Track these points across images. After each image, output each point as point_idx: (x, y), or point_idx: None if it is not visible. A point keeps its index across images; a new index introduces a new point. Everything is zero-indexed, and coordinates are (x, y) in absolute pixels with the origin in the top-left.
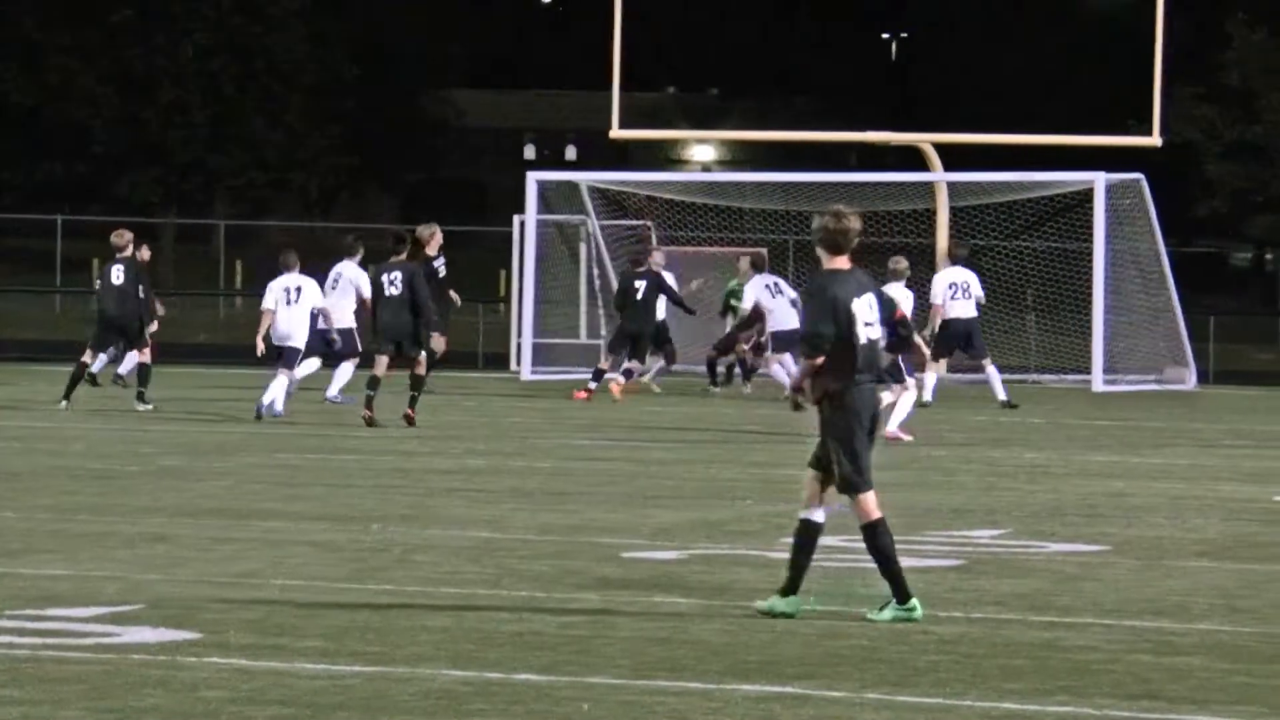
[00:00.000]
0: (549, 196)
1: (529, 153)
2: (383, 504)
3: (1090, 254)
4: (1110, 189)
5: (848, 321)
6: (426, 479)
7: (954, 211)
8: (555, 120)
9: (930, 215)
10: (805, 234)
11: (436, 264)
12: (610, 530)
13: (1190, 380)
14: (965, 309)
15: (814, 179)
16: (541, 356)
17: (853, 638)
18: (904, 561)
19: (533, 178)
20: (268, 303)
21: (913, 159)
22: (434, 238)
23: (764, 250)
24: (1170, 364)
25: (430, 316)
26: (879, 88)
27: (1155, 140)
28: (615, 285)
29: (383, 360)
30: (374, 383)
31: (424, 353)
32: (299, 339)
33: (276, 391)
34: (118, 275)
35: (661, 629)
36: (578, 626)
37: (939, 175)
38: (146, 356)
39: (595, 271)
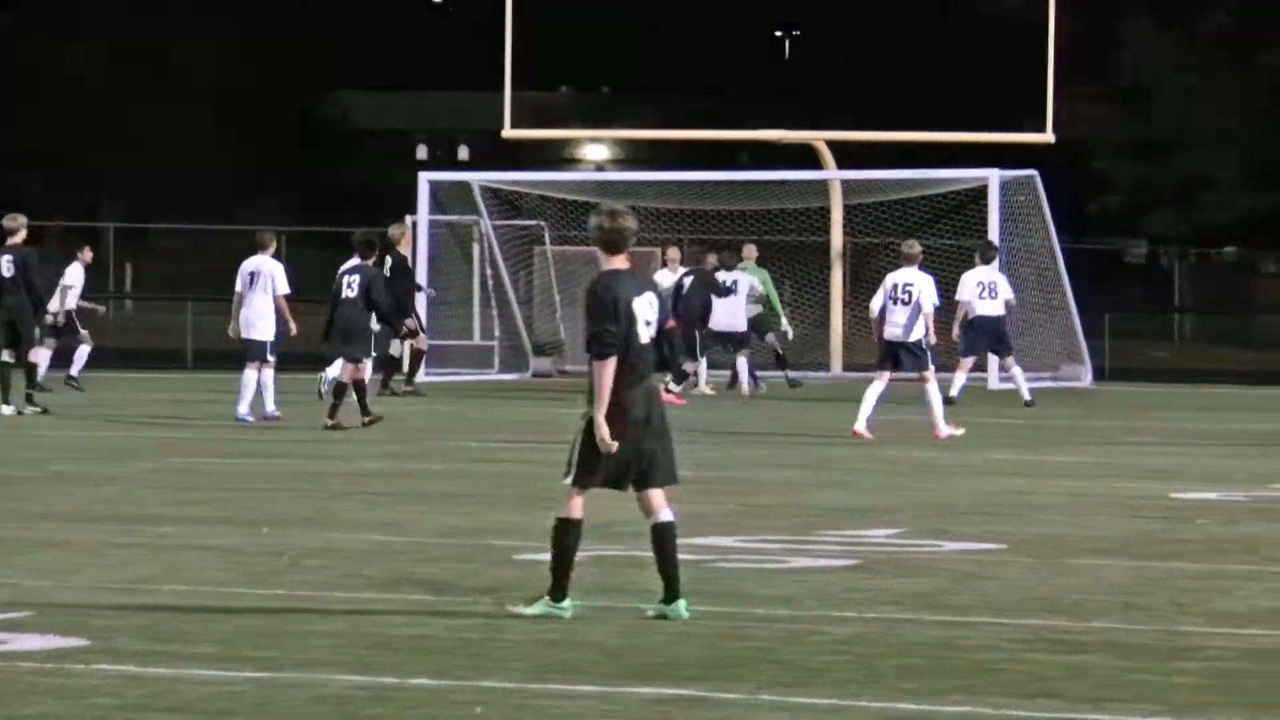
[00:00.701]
0: (441, 197)
1: (421, 153)
2: (278, 508)
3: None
4: (1005, 186)
5: (628, 320)
6: (324, 482)
7: (848, 209)
8: (447, 120)
9: (825, 213)
10: (701, 232)
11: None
12: (506, 533)
13: (1086, 377)
14: (993, 308)
15: (708, 177)
16: (435, 359)
17: (749, 639)
18: (800, 561)
19: (425, 178)
20: (237, 286)
21: (806, 157)
22: (405, 236)
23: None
24: (1066, 361)
25: (394, 321)
26: (771, 85)
27: (1049, 137)
28: (509, 285)
29: (343, 366)
30: (341, 390)
31: (368, 360)
32: (262, 330)
33: (246, 394)
34: (8, 266)
35: (556, 632)
36: (472, 630)
37: (832, 173)
38: (38, 356)
39: (489, 272)
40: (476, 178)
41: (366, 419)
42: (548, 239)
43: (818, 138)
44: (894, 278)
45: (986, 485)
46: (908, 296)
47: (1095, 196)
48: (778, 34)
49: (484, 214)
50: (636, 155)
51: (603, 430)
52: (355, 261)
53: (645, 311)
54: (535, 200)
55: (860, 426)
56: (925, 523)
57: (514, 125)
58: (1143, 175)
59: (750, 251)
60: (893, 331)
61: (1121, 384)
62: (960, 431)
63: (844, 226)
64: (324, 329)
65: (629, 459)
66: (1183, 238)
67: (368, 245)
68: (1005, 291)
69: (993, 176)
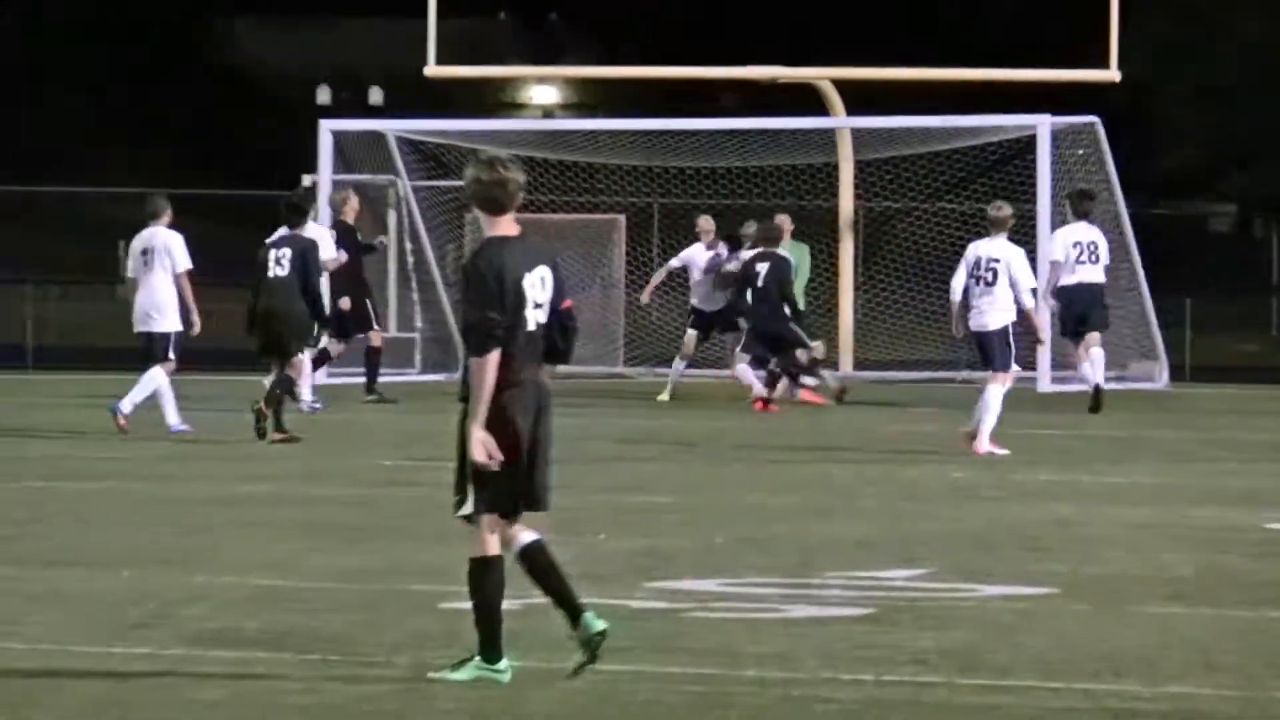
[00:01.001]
0: (348, 150)
1: (323, 96)
2: (140, 544)
3: (1034, 218)
4: (1057, 136)
5: (517, 302)
6: (194, 511)
7: (860, 166)
8: (356, 56)
9: (831, 171)
10: (673, 195)
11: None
12: (425, 574)
13: (1161, 377)
14: (1092, 274)
15: (683, 126)
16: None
17: (736, 706)
18: (799, 610)
19: (327, 127)
20: (128, 269)
21: (808, 101)
22: (350, 203)
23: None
24: (1136, 357)
25: (321, 307)
26: (762, 9)
27: (1113, 74)
28: (433, 263)
29: (298, 363)
30: (287, 383)
31: (305, 354)
32: (164, 320)
33: (168, 401)
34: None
35: (491, 698)
36: (384, 698)
37: (841, 120)
38: None
39: (409, 246)
40: (392, 126)
41: (280, 435)
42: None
43: (822, 76)
44: (977, 249)
45: (1031, 513)
46: (992, 275)
47: (1171, 149)
48: None
49: (402, 172)
50: (592, 99)
51: (479, 443)
52: (284, 231)
53: (536, 291)
54: (466, 155)
55: (984, 444)
56: (955, 561)
57: (439, 61)
58: (1226, 123)
59: (785, 223)
60: (976, 319)
61: (1204, 385)
62: (1003, 452)
63: (855, 188)
64: (247, 317)
65: (520, 479)
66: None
67: (298, 211)
68: (1104, 254)
69: (1042, 124)
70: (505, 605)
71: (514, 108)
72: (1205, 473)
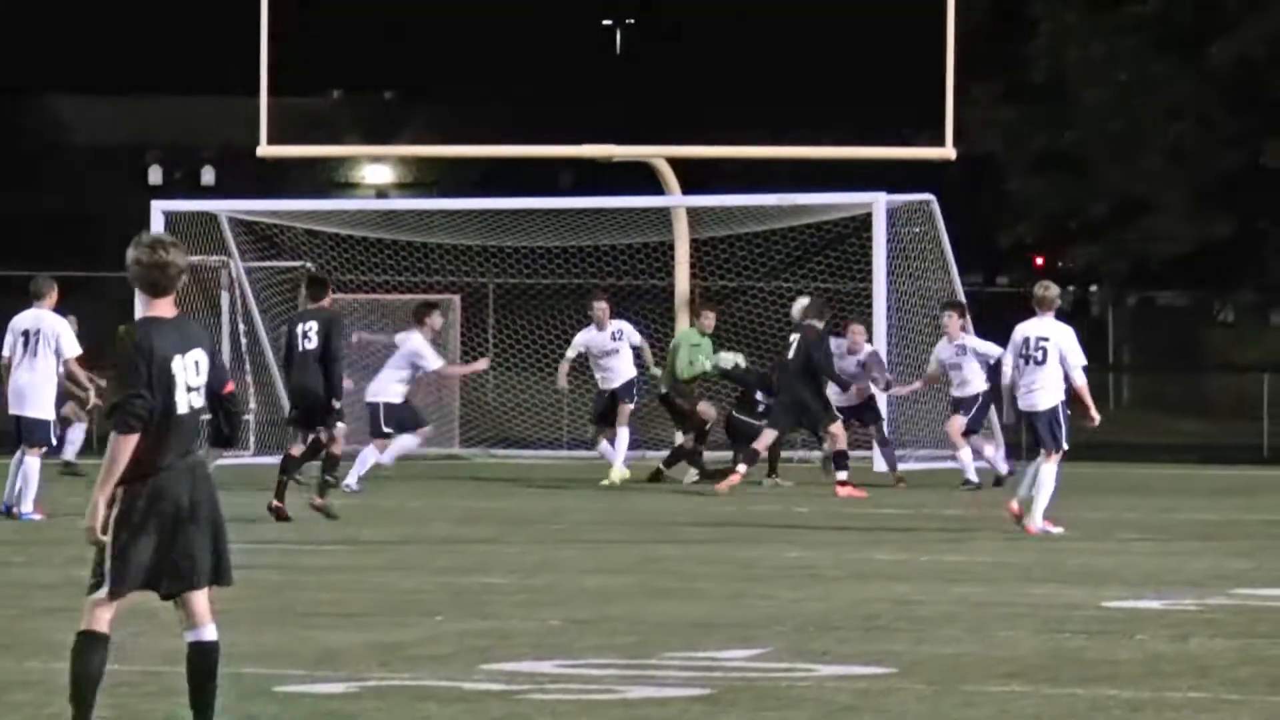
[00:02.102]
0: (180, 231)
1: (154, 176)
2: None
3: (869, 296)
4: (894, 213)
5: (166, 384)
6: (24, 596)
7: (696, 245)
8: (187, 134)
9: (667, 250)
10: (508, 275)
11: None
12: (259, 658)
13: (999, 456)
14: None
15: (519, 205)
16: None
17: None
18: (637, 691)
19: (158, 207)
20: (4, 350)
21: (644, 179)
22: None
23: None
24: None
25: (339, 381)
26: (600, 88)
27: (948, 152)
28: (266, 344)
29: (338, 434)
30: (290, 464)
31: (340, 425)
32: (43, 405)
33: (31, 488)
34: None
35: None
36: None
37: (675, 199)
38: None
39: (241, 327)
40: (225, 207)
41: (277, 505)
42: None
43: (658, 154)
44: (1025, 330)
45: (869, 593)
46: (1042, 354)
47: (1007, 226)
48: (606, 22)
49: (234, 253)
50: (428, 177)
51: (97, 518)
52: (310, 305)
53: (189, 374)
54: (300, 236)
55: (1038, 522)
56: (792, 641)
57: (272, 140)
58: (1062, 198)
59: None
60: (1026, 399)
61: None
62: (1058, 530)
63: (691, 266)
64: (291, 396)
65: (163, 555)
66: (1119, 277)
67: (322, 284)
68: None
69: (878, 201)
70: (334, 688)
71: (348, 187)
72: (1043, 550)
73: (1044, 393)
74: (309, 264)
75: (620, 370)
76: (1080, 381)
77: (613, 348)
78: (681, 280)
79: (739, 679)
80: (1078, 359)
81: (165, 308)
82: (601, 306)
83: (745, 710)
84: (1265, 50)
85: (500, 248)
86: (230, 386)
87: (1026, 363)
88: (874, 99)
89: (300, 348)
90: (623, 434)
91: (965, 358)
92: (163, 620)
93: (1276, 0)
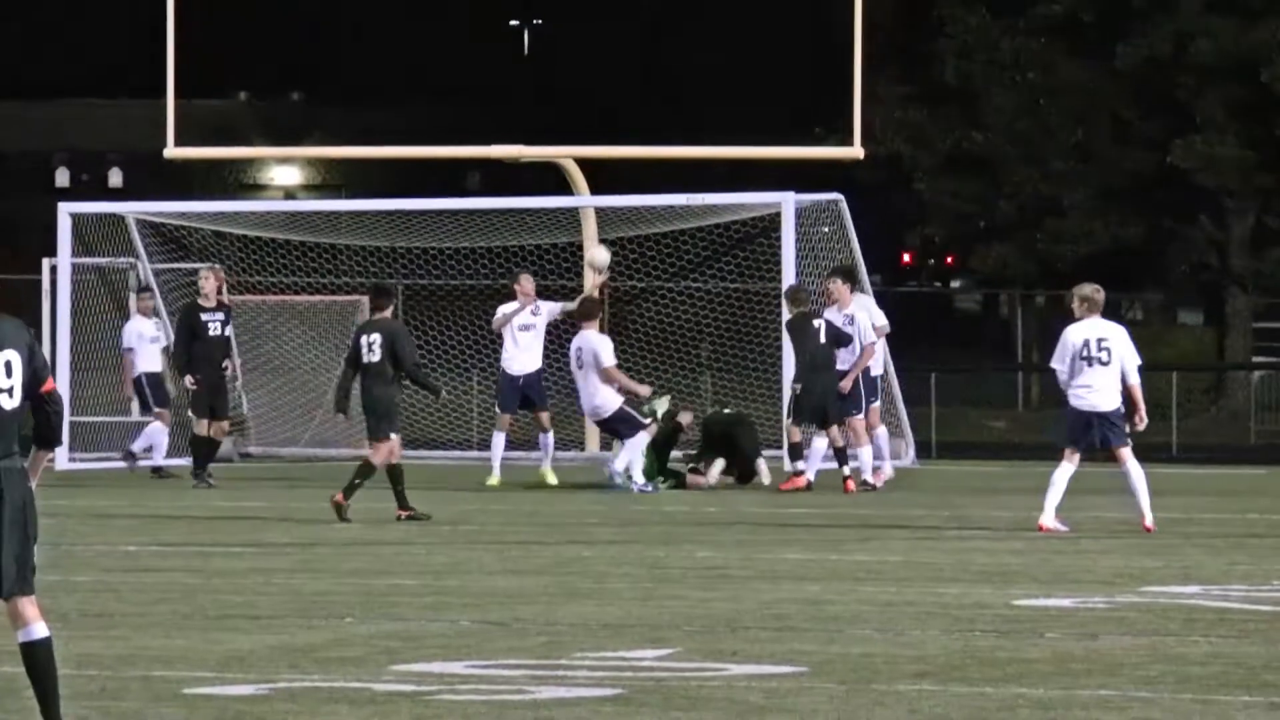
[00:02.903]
0: (87, 233)
1: (61, 178)
2: None
3: (778, 295)
4: (802, 213)
5: None
6: None
7: (605, 245)
8: (93, 137)
9: (576, 250)
10: (416, 277)
11: (211, 319)
12: (168, 660)
13: (908, 454)
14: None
15: (426, 206)
16: (81, 439)
17: None
18: (547, 691)
19: (65, 210)
20: None
21: (552, 180)
22: (209, 282)
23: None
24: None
25: (432, 384)
26: (507, 89)
27: (856, 151)
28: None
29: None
30: (397, 473)
31: (396, 436)
32: None
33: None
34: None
35: None
36: None
37: (583, 200)
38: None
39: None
40: (132, 209)
41: (406, 512)
42: (224, 286)
43: (565, 155)
44: (1082, 332)
45: (778, 593)
46: (1107, 355)
47: (915, 226)
48: (513, 23)
49: (142, 255)
50: (336, 179)
51: None
52: (381, 315)
53: None
54: (208, 237)
55: (1049, 520)
56: (702, 641)
57: (179, 142)
58: (971, 199)
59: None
60: (1088, 398)
61: (950, 462)
62: (1151, 528)
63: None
64: (335, 396)
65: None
66: (1027, 278)
67: (385, 294)
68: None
69: (786, 201)
70: (243, 690)
71: (256, 189)
72: (953, 550)
73: (1109, 393)
74: (216, 264)
75: (535, 352)
76: (1136, 381)
77: (531, 323)
78: (590, 279)
79: (649, 679)
80: (1135, 360)
81: None
82: (528, 279)
83: (656, 710)
84: (1172, 50)
85: (409, 249)
86: (49, 385)
87: (1089, 365)
88: (783, 99)
89: (365, 359)
90: (547, 440)
91: (854, 328)
92: (71, 622)
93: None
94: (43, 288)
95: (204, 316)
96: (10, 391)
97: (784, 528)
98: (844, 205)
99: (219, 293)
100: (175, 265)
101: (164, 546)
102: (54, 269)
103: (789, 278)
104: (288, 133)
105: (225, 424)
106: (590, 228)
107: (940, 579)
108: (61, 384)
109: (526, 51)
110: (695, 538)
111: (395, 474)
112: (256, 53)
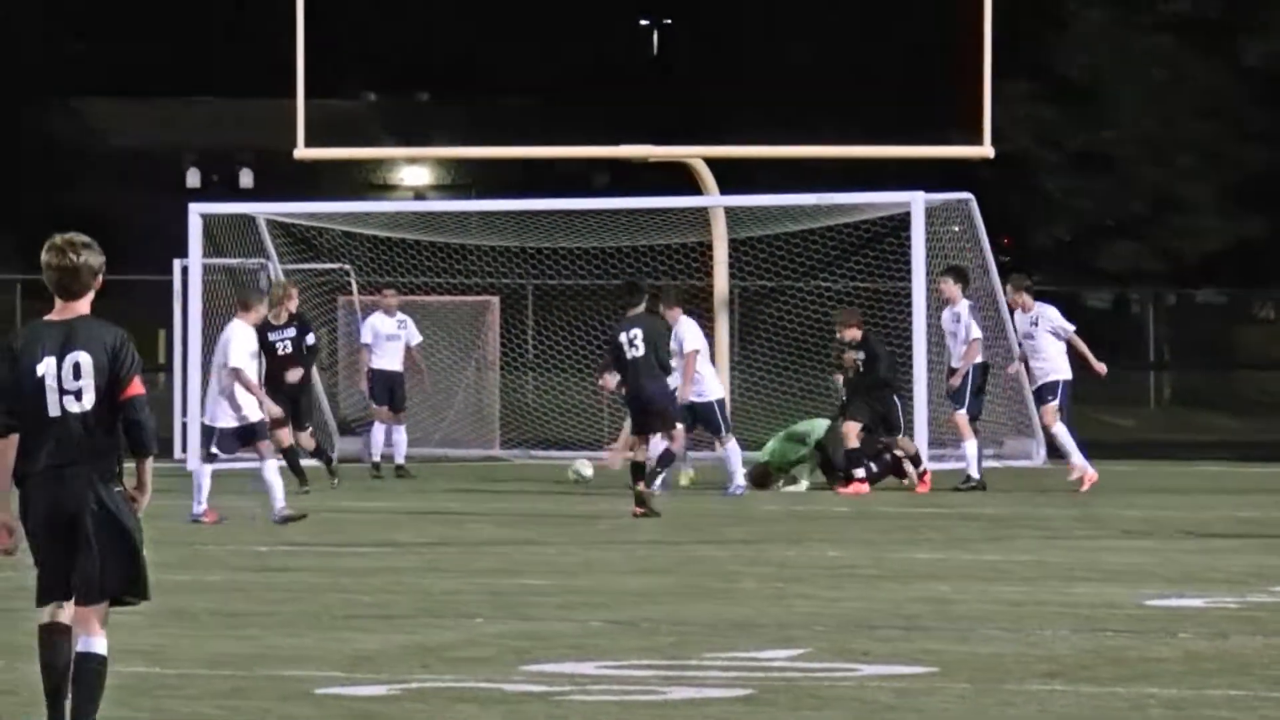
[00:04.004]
0: (218, 234)
1: (192, 179)
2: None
3: (908, 295)
4: (932, 213)
5: (34, 387)
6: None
7: (734, 245)
8: (224, 138)
9: (705, 249)
10: (546, 277)
11: (278, 336)
12: (298, 660)
13: (1038, 454)
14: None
15: (555, 206)
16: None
17: None
18: (679, 691)
19: (196, 210)
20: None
21: (681, 180)
22: (287, 298)
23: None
24: (1012, 434)
25: (675, 384)
26: (636, 89)
27: (986, 150)
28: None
29: (678, 434)
30: (638, 470)
31: (679, 425)
32: None
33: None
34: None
35: None
36: None
37: (713, 199)
38: None
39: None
40: (262, 209)
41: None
42: (355, 286)
43: (695, 155)
44: None
45: (909, 592)
46: None
47: (1044, 224)
48: (644, 23)
49: (273, 256)
50: (464, 179)
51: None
52: (636, 311)
53: (67, 378)
54: (338, 238)
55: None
56: (831, 641)
57: (309, 143)
58: (1098, 197)
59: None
60: None
61: None
62: None
63: (730, 266)
64: (627, 403)
65: (56, 565)
66: (1158, 276)
67: (636, 291)
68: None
69: (916, 201)
70: (374, 690)
71: (385, 189)
72: (1083, 549)
73: None
74: (347, 265)
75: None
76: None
77: (395, 334)
78: (720, 280)
79: (779, 679)
80: None
81: (57, 310)
82: (392, 292)
83: (785, 710)
84: None
85: (538, 249)
86: (130, 391)
87: None
88: (910, 98)
89: (629, 355)
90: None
91: (1037, 329)
92: (202, 623)
93: None
94: (174, 288)
95: (270, 336)
96: (78, 394)
97: (913, 527)
98: (974, 205)
99: (284, 305)
100: (305, 265)
101: (293, 546)
102: (185, 270)
103: (919, 278)
104: (415, 132)
105: (306, 433)
106: (719, 227)
107: (1071, 578)
108: (191, 385)
109: (655, 52)
110: (825, 536)
111: (638, 471)
112: (384, 52)
